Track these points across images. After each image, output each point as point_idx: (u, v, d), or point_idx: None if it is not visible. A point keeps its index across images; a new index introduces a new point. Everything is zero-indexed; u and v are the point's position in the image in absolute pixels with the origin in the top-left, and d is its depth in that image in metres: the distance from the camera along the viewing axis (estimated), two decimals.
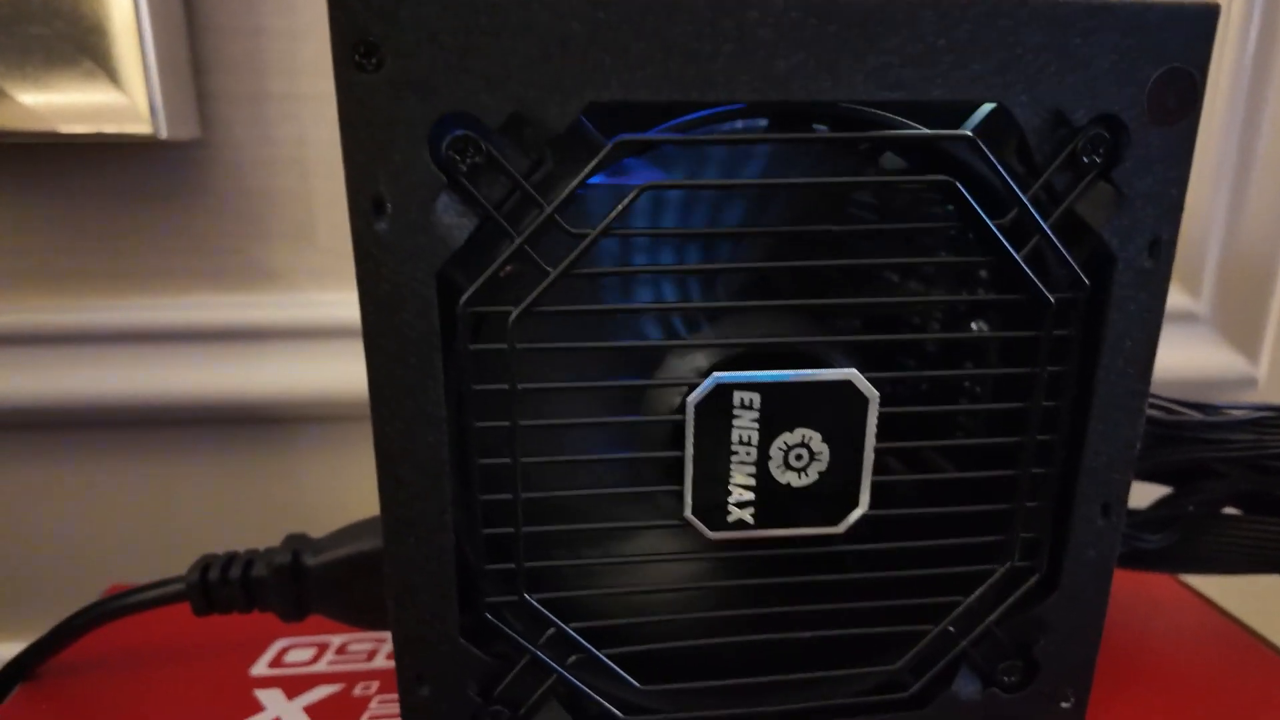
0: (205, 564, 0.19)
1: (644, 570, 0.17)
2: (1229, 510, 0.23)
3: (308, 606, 0.19)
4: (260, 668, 0.22)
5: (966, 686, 0.18)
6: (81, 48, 0.27)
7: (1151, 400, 0.21)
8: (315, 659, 0.22)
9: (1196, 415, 0.21)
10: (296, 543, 0.20)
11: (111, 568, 0.33)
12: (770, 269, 0.16)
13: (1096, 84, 0.15)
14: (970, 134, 0.15)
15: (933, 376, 0.17)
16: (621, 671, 0.16)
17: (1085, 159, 0.15)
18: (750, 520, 0.16)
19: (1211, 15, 0.15)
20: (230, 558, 0.20)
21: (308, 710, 0.20)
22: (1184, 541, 0.23)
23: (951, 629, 0.18)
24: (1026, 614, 0.18)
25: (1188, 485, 0.23)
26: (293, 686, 0.21)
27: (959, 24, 0.14)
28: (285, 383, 0.32)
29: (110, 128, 0.27)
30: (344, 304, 0.32)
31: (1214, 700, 0.21)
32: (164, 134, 0.27)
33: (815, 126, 0.15)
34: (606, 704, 0.17)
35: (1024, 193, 0.15)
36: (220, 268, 0.32)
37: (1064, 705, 0.19)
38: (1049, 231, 0.15)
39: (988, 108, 0.15)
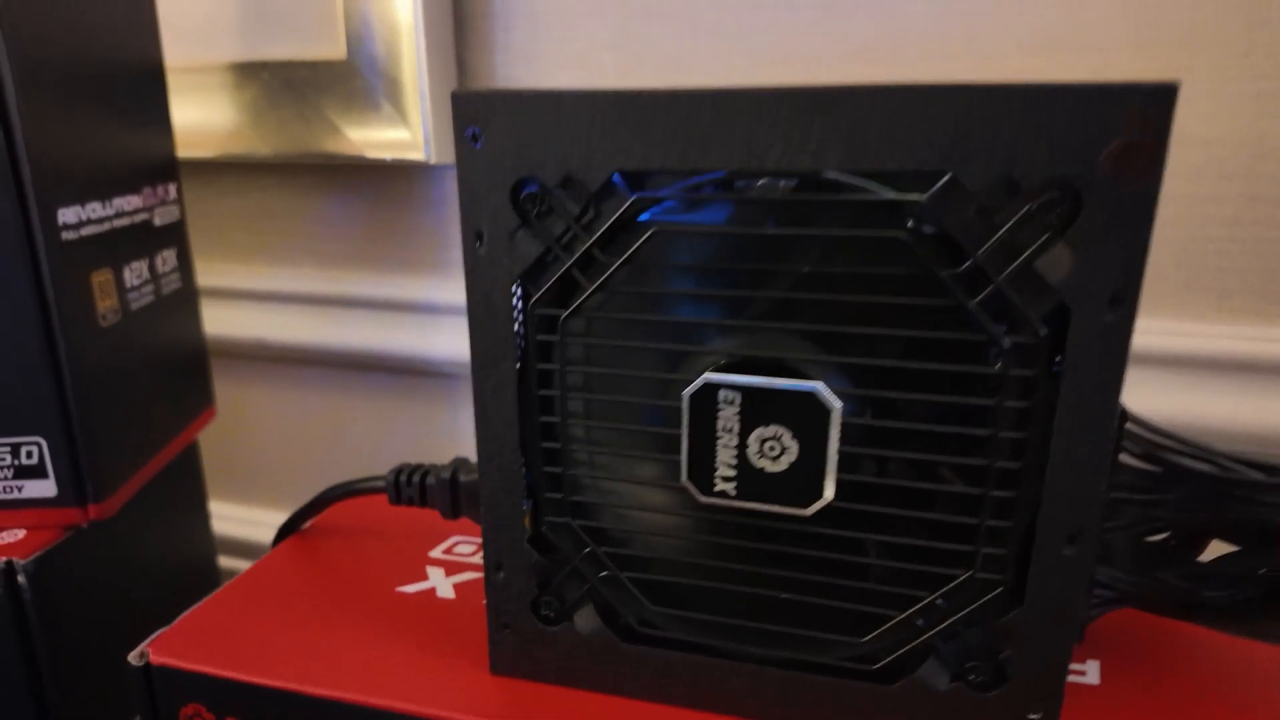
0: (399, 469, 0.28)
1: (657, 518, 0.22)
2: None
3: (460, 510, 0.27)
4: (436, 551, 0.30)
5: (934, 676, 0.21)
6: (386, 96, 0.37)
7: (1204, 453, 0.21)
8: (474, 552, 0.30)
9: (1258, 475, 0.21)
10: (458, 464, 0.27)
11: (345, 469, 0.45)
12: (766, 298, 0.20)
13: (1050, 154, 0.17)
14: (921, 198, 0.18)
15: (893, 398, 0.19)
16: (634, 589, 0.22)
17: (1041, 220, 0.17)
18: (732, 492, 0.20)
19: (1169, 92, 0.16)
20: (415, 467, 0.28)
21: (455, 586, 0.28)
22: (1259, 604, 0.22)
23: (921, 622, 0.20)
24: (994, 623, 0.20)
25: (1258, 547, 0.22)
26: (451, 568, 0.29)
27: (908, 108, 0.17)
28: None
29: (397, 155, 0.38)
30: None
31: None
32: (432, 160, 0.37)
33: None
34: (625, 614, 0.22)
35: (980, 248, 0.18)
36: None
37: (1032, 716, 0.20)
38: (1001, 284, 0.18)
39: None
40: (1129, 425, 0.22)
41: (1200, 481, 0.21)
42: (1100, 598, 0.23)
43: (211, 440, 0.46)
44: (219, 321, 0.45)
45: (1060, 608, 0.19)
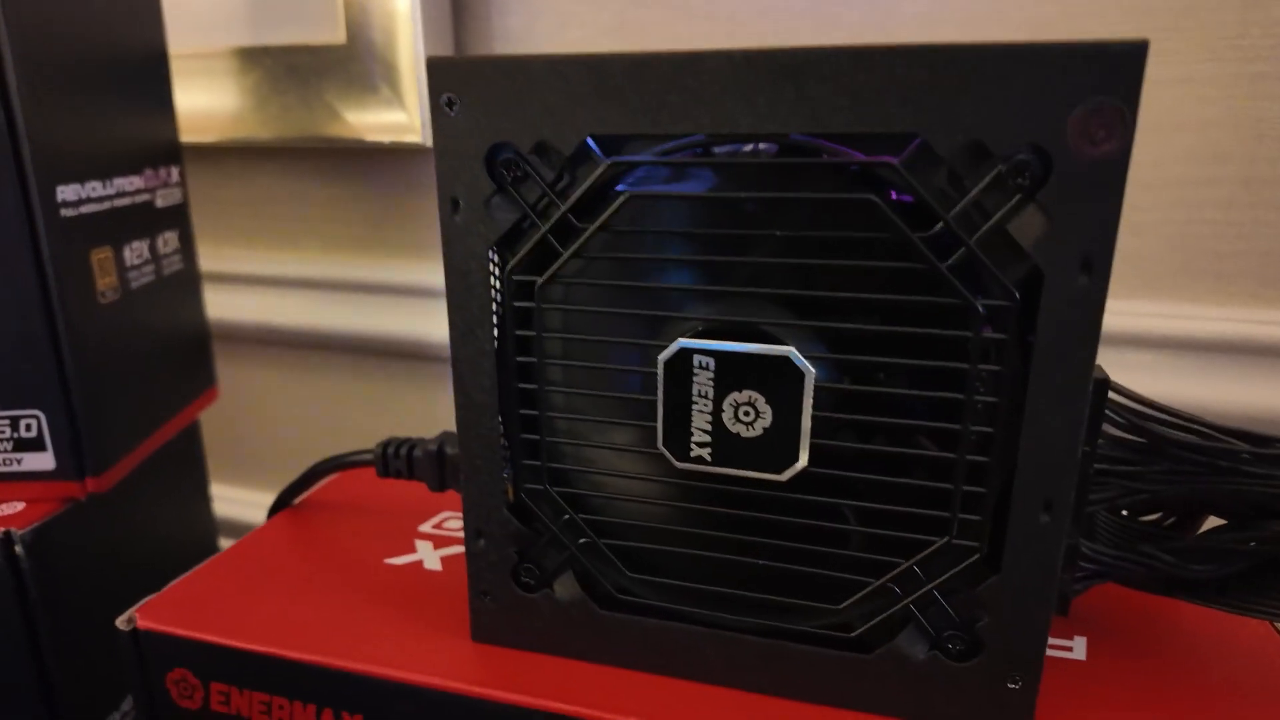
0: (387, 443, 0.28)
1: (635, 485, 0.22)
2: None
3: (445, 482, 0.27)
4: (426, 526, 0.30)
5: (912, 645, 0.21)
6: (384, 79, 0.38)
7: (1190, 424, 0.21)
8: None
9: (1243, 446, 0.21)
10: (445, 437, 0.28)
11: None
12: (732, 263, 0.20)
13: (1018, 117, 0.17)
14: (894, 161, 0.18)
15: (868, 363, 0.19)
16: (612, 556, 0.22)
17: (1011, 183, 0.17)
18: (708, 458, 0.20)
19: (1139, 51, 0.16)
20: (403, 441, 0.28)
21: (442, 559, 0.28)
22: (1247, 578, 0.22)
23: (897, 589, 0.20)
24: (971, 591, 0.20)
25: (1247, 520, 0.22)
26: (439, 542, 0.29)
27: (875, 70, 0.17)
28: None
29: (395, 138, 0.38)
30: None
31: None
32: (428, 143, 0.37)
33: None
34: (604, 582, 0.22)
35: (949, 211, 0.18)
36: None
37: (1011, 686, 0.20)
38: (972, 246, 0.17)
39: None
40: (1113, 396, 0.21)
41: (1185, 452, 0.21)
42: (1085, 571, 0.23)
43: (215, 423, 0.47)
44: (223, 306, 0.46)
45: (1037, 576, 0.19)
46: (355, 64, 0.38)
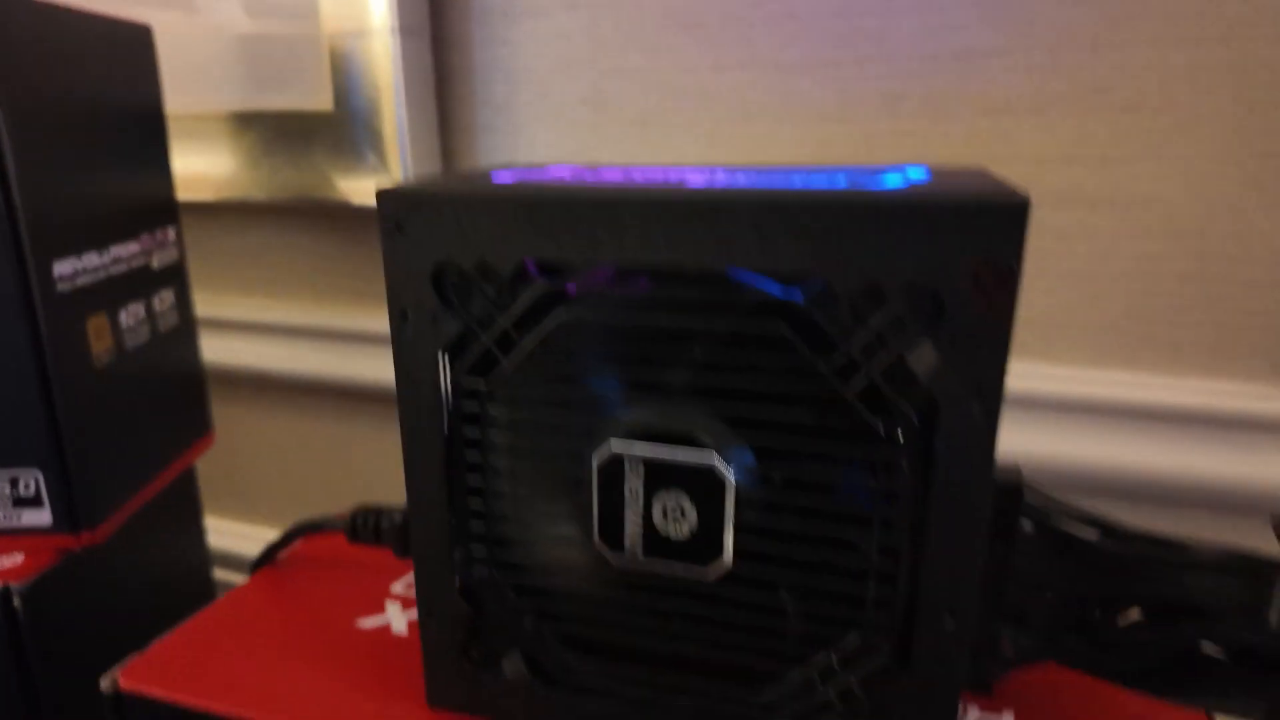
0: (355, 512, 0.30)
1: (575, 574, 0.23)
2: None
3: (409, 551, 0.29)
4: (398, 586, 0.32)
5: None
6: (370, 146, 0.39)
7: (1097, 525, 0.22)
8: None
9: (1149, 550, 0.22)
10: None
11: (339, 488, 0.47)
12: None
13: (912, 263, 0.18)
14: (798, 300, 0.19)
15: (779, 476, 0.21)
16: (555, 641, 0.23)
17: (907, 321, 0.18)
18: (640, 554, 0.22)
19: (1020, 210, 0.17)
20: (371, 510, 0.30)
21: (409, 624, 0.30)
22: (1167, 671, 0.23)
23: (820, 683, 0.22)
24: (884, 686, 0.21)
25: (1162, 617, 0.23)
26: (409, 603, 0.31)
27: (780, 217, 0.18)
28: None
29: None
30: None
31: None
32: None
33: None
34: (547, 663, 0.24)
35: (851, 345, 0.19)
36: None
37: None
38: (874, 375, 0.19)
39: None
40: (1028, 498, 0.23)
41: (1093, 555, 0.22)
42: (1005, 659, 0.24)
43: (210, 460, 0.48)
44: (220, 350, 0.48)
45: (943, 675, 0.20)
46: (343, 129, 0.40)
